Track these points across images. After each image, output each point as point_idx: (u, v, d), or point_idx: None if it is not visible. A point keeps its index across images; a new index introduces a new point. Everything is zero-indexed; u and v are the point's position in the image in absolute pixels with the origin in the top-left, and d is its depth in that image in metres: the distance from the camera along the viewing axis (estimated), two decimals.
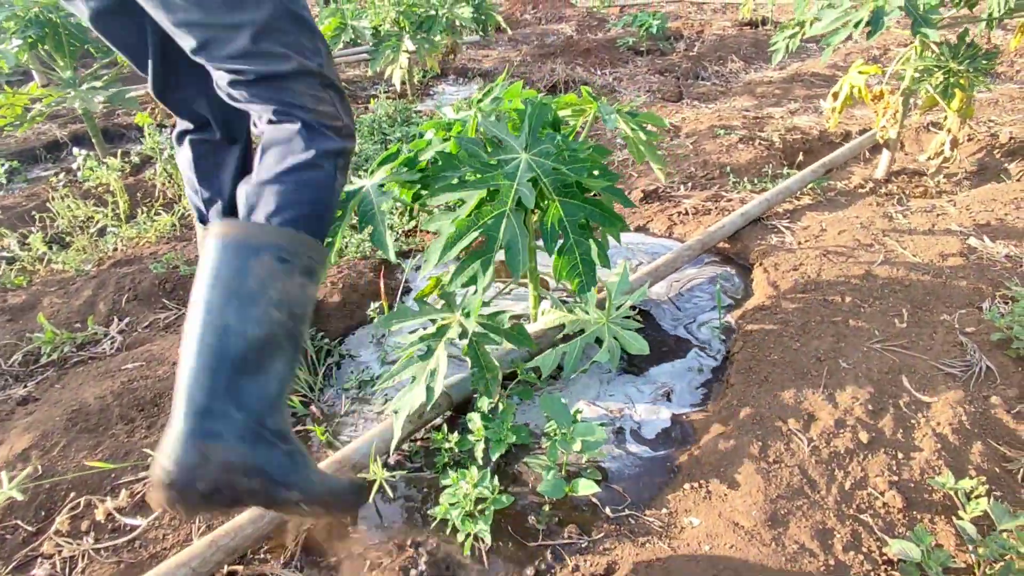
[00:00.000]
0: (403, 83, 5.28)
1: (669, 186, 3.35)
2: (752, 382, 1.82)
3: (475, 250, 1.58)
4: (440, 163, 1.67)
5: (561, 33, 7.88)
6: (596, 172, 1.77)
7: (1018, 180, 3.27)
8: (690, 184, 3.35)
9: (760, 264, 2.43)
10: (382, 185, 1.74)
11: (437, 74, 5.90)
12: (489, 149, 1.66)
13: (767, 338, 1.97)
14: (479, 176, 1.60)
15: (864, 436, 1.60)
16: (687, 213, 2.91)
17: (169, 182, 3.43)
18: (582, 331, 2.03)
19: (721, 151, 3.65)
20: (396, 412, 1.55)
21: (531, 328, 2.09)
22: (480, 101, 1.92)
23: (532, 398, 1.91)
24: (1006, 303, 2.12)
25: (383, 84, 5.74)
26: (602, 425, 1.80)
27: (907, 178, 3.56)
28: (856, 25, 2.82)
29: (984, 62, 2.91)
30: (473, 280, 1.54)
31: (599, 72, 5.88)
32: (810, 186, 3.14)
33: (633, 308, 2.18)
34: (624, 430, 1.79)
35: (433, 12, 4.70)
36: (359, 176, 1.83)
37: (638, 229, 2.92)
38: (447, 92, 5.58)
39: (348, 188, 1.77)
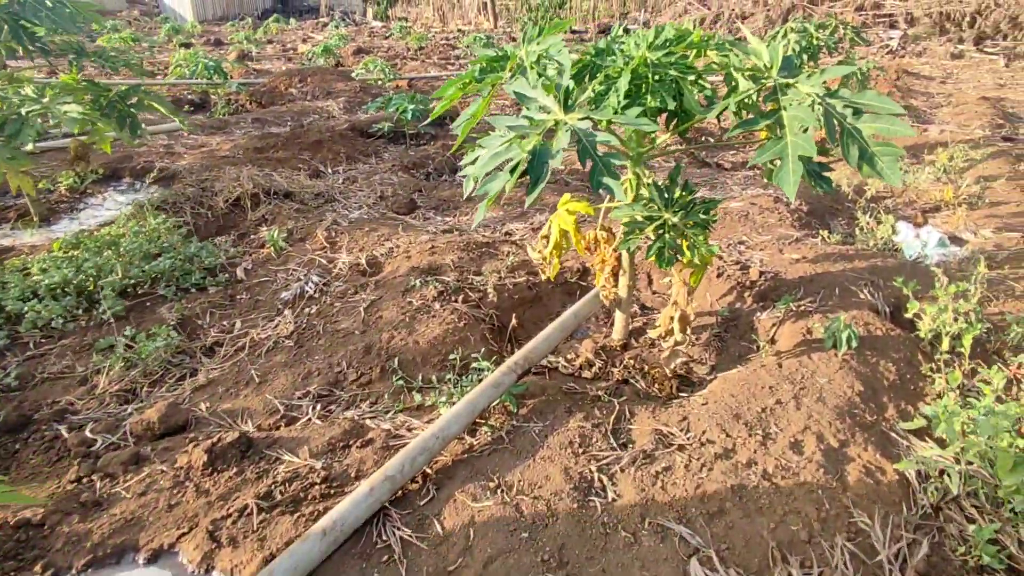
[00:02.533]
0: (30, 198, 3.51)
1: (295, 404, 2.00)
2: None
3: None
4: None
5: (326, 111, 6.50)
6: None
7: (770, 343, 2.39)
8: (327, 399, 2.03)
9: None
10: None
11: (102, 177, 4.17)
12: None
13: None
14: None
15: None
16: (251, 513, 1.53)
17: None
18: None
19: (404, 321, 2.40)
20: None
21: None
22: None
23: None
24: None
25: None
26: None
27: (650, 341, 2.58)
28: (513, 171, 1.71)
29: (703, 215, 1.96)
30: None
31: (330, 171, 4.54)
32: (501, 399, 1.95)
33: None
34: None
35: (15, 111, 3.03)
36: None
37: (153, 558, 1.48)
38: (105, 205, 3.87)
39: None
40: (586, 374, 2.31)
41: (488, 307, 2.61)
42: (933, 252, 3.26)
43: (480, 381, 1.99)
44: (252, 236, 3.40)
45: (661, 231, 1.95)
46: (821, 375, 2.05)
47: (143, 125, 3.49)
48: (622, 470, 1.63)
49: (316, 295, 2.68)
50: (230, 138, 5.22)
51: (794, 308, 2.50)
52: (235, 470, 1.68)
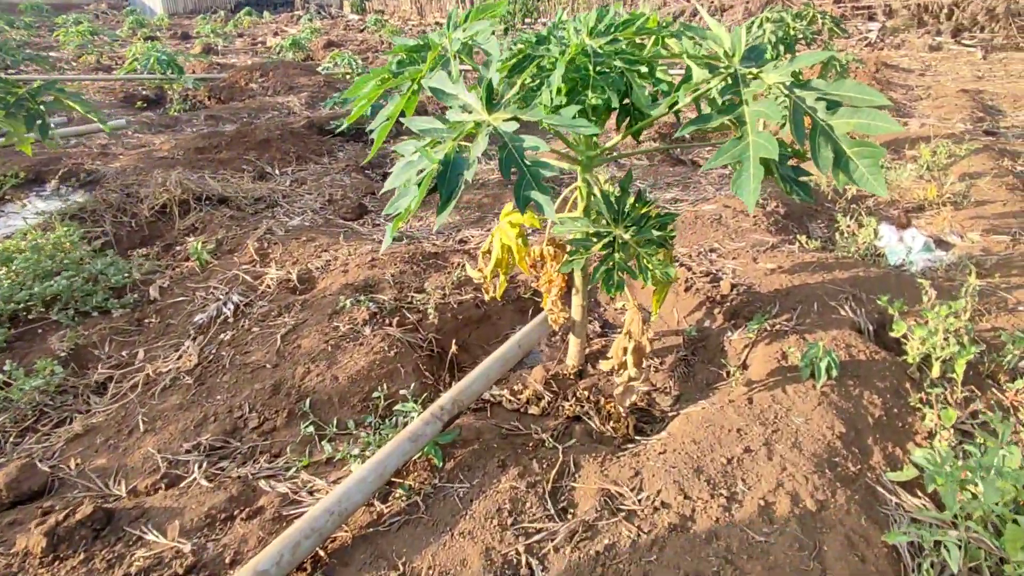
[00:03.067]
0: None
1: (181, 460, 1.66)
2: None
3: None
4: None
5: (286, 107, 6.11)
6: None
7: (741, 369, 2.09)
8: (220, 452, 1.69)
9: None
10: None
11: (24, 181, 3.76)
12: None
13: None
14: None
15: None
16: None
17: None
18: None
19: (325, 350, 2.06)
20: None
21: None
22: None
23: None
24: None
25: None
26: None
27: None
28: (420, 184, 1.38)
29: (657, 232, 1.65)
30: None
31: (277, 172, 4.17)
32: (424, 452, 1.63)
33: None
34: None
35: None
36: None
37: None
38: (22, 213, 3.47)
39: None
40: (533, 409, 1.99)
41: (427, 330, 2.28)
42: (918, 258, 2.98)
43: (407, 426, 1.67)
44: (178, 248, 3.03)
45: (610, 249, 1.64)
46: (797, 413, 1.75)
47: (52, 124, 3.10)
48: (556, 549, 1.32)
49: (233, 319, 2.34)
50: (176, 136, 4.81)
51: (768, 328, 2.21)
52: (83, 556, 1.35)
